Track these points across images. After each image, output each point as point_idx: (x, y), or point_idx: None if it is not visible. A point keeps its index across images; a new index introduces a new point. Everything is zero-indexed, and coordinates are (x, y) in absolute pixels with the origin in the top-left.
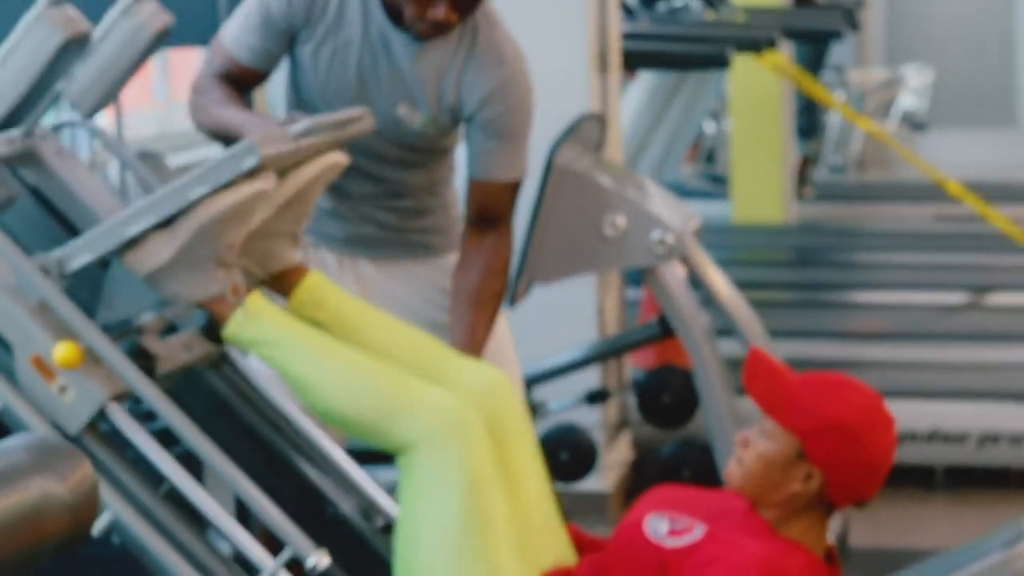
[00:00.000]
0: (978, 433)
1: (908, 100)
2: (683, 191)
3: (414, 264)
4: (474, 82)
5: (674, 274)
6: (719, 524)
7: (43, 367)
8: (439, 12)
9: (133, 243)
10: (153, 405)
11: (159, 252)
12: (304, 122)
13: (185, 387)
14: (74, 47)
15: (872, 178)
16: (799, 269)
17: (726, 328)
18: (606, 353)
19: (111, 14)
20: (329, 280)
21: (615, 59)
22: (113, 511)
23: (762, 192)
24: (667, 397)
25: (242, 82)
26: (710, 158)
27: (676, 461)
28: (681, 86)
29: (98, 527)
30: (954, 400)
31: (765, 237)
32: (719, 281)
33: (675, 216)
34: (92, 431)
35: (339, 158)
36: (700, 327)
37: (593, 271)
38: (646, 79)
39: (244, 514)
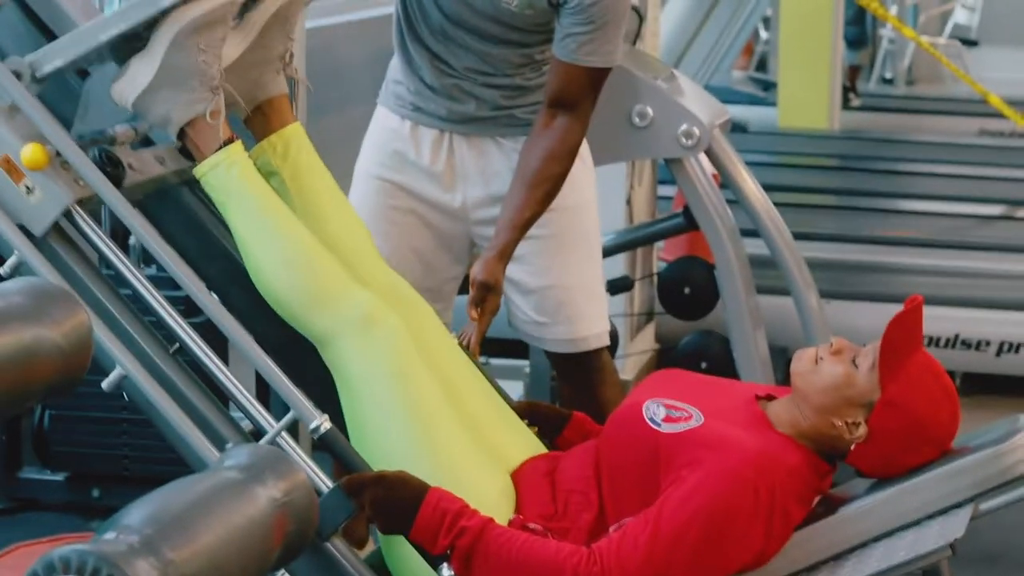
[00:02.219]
0: (999, 341)
1: (961, 15)
2: (732, 95)
3: (511, 142)
4: None
5: (700, 167)
6: (718, 416)
7: (11, 167)
8: None
9: (105, 50)
10: (116, 210)
11: (141, 75)
12: None
13: (158, 203)
14: None
15: (920, 91)
16: (840, 175)
17: (753, 230)
18: (630, 243)
19: None
20: (307, 139)
21: None
22: (123, 368)
23: (808, 99)
24: (688, 288)
25: None
26: (762, 65)
27: (694, 353)
28: None
29: (108, 383)
30: (978, 308)
31: (809, 142)
32: (746, 179)
33: (704, 110)
34: (59, 236)
35: None
36: (724, 221)
37: (621, 160)
38: None
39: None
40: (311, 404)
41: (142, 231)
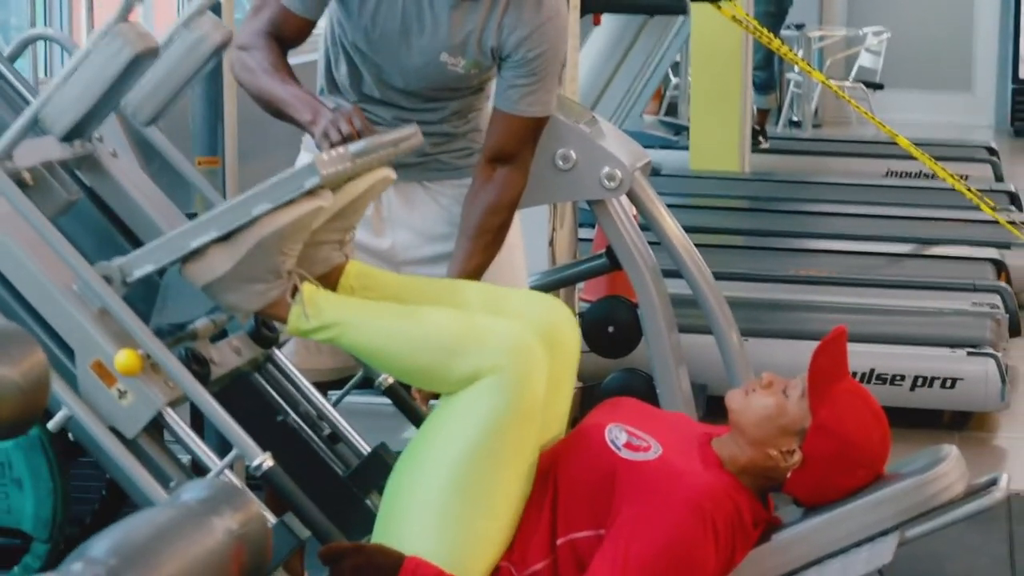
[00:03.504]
0: (913, 375)
1: (866, 59)
2: (644, 139)
3: (438, 186)
4: (515, 25)
5: (622, 208)
6: (674, 449)
7: (103, 372)
8: None
9: (193, 254)
10: (204, 409)
11: (219, 264)
12: (362, 142)
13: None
14: (142, 62)
15: (827, 134)
16: (752, 216)
17: (675, 271)
18: (554, 283)
19: (174, 25)
20: (366, 266)
21: (574, 0)
22: (68, 408)
23: (719, 142)
24: (611, 327)
25: (287, 34)
26: (672, 109)
27: (618, 390)
28: (641, 34)
29: (54, 423)
30: (892, 344)
31: (720, 184)
32: (667, 220)
33: (625, 153)
34: None
35: (388, 173)
36: (646, 260)
37: (545, 202)
38: (608, 25)
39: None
40: (253, 442)
41: (232, 431)
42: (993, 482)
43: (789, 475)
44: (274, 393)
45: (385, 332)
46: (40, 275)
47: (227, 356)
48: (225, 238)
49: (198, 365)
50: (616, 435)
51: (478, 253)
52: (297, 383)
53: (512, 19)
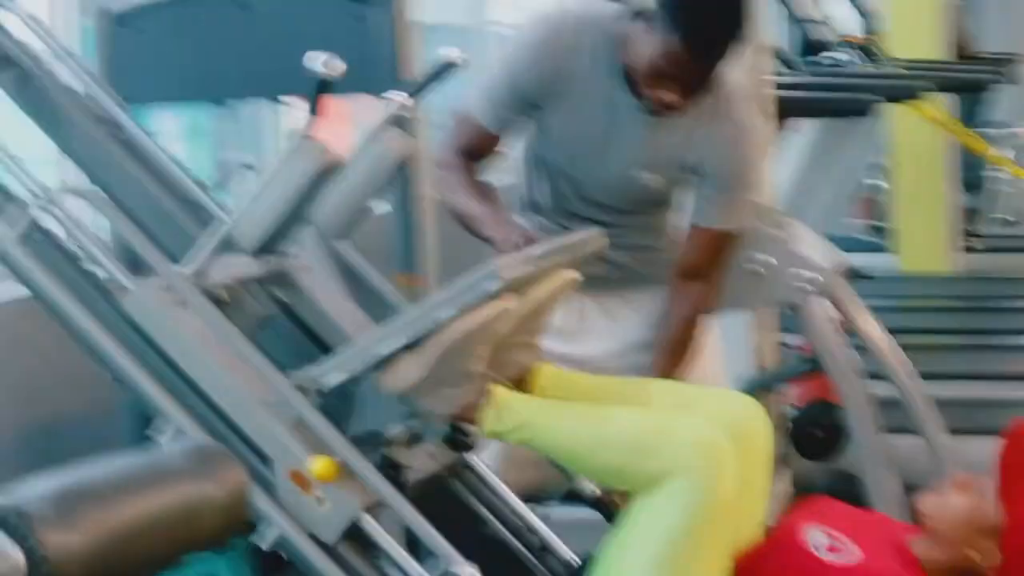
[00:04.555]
0: None
1: None
2: (849, 243)
3: (635, 293)
4: (710, 140)
5: (821, 311)
6: (873, 551)
7: (301, 480)
8: (669, 96)
9: (384, 362)
10: (402, 514)
11: (410, 372)
12: (543, 245)
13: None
14: (326, 176)
15: None
16: (964, 315)
17: (879, 373)
18: (759, 386)
19: (360, 139)
20: (549, 366)
21: (767, 108)
22: (279, 528)
23: (926, 243)
24: (818, 431)
25: (480, 150)
26: (877, 212)
27: (829, 493)
28: (843, 139)
29: (266, 542)
30: None
31: (932, 285)
32: (868, 321)
33: (823, 257)
34: None
35: (573, 275)
36: (848, 363)
37: (746, 307)
38: (808, 132)
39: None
40: (459, 554)
41: (436, 542)
42: None
43: (989, 575)
44: (478, 503)
45: (574, 432)
46: (238, 389)
47: (423, 462)
48: (413, 345)
49: (394, 471)
50: (815, 537)
51: (672, 365)
52: (499, 493)
53: (708, 134)
